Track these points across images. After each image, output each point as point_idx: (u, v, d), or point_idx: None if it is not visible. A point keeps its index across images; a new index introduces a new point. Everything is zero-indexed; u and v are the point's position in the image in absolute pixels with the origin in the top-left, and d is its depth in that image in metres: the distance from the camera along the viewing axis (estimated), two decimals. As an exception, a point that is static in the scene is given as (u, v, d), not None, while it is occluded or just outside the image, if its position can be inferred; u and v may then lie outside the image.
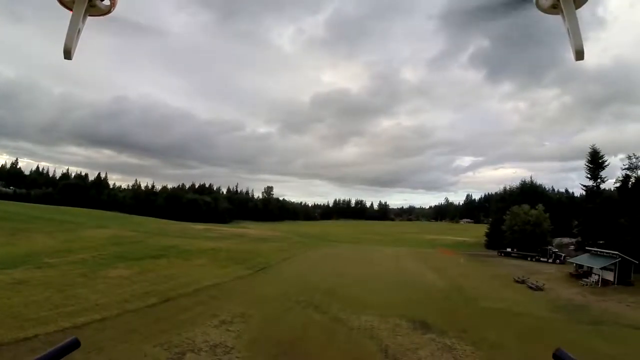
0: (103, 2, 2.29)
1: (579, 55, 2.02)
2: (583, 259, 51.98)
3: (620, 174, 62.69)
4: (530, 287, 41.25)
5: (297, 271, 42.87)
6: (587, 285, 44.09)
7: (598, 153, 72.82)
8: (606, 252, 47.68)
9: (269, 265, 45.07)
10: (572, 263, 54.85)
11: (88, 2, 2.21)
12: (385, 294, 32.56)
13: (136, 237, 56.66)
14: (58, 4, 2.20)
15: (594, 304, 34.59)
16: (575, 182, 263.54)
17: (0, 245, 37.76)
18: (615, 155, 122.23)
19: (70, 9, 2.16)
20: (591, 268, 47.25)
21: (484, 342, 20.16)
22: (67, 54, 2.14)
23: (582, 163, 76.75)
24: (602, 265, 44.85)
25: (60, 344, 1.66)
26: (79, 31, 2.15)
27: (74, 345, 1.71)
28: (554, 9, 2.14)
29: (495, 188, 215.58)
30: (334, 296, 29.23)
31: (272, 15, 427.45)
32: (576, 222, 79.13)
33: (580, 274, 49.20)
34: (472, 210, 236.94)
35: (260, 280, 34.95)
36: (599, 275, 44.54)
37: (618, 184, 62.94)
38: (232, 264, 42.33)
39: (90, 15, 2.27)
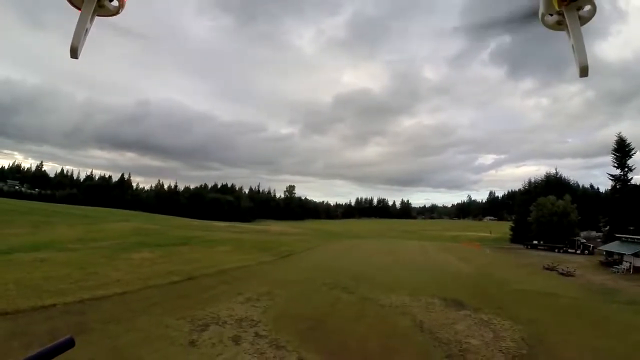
0: (112, 3, 2.26)
1: (583, 72, 1.93)
2: (613, 246, 50.70)
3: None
4: (561, 273, 40.17)
5: (322, 258, 42.26)
6: (618, 272, 42.89)
7: (625, 141, 71.61)
8: (637, 239, 46.51)
9: (293, 253, 44.73)
10: (602, 252, 53.60)
11: (97, 2, 2.19)
12: (414, 278, 31.65)
13: (159, 230, 56.94)
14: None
15: (627, 288, 33.48)
16: (599, 178, 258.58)
17: (23, 235, 38.14)
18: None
19: (79, 8, 2.15)
20: (622, 256, 45.97)
21: (521, 317, 19.28)
22: (74, 53, 2.10)
23: (606, 159, 76.44)
24: (634, 252, 43.60)
25: (55, 343, 1.63)
26: (87, 31, 2.15)
27: (69, 344, 1.67)
28: (559, 25, 2.08)
29: (518, 186, 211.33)
30: (362, 279, 28.46)
31: (292, 17, 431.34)
32: (602, 217, 78.05)
33: (611, 262, 47.87)
34: (495, 207, 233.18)
35: (285, 266, 34.44)
36: (630, 263, 43.33)
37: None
38: (256, 251, 42.09)
39: (98, 15, 2.25)
